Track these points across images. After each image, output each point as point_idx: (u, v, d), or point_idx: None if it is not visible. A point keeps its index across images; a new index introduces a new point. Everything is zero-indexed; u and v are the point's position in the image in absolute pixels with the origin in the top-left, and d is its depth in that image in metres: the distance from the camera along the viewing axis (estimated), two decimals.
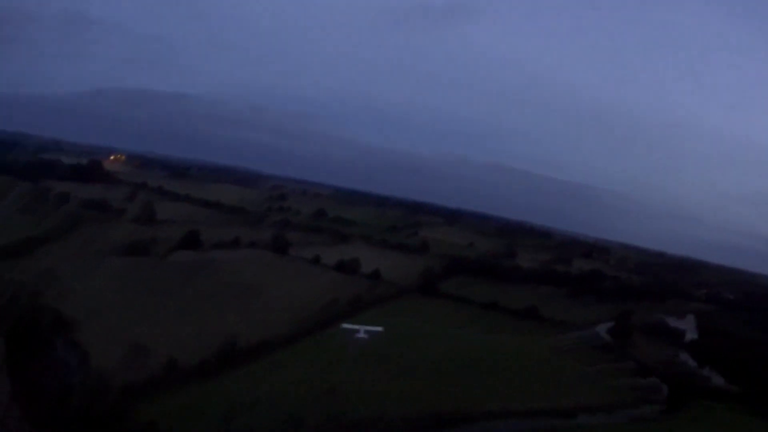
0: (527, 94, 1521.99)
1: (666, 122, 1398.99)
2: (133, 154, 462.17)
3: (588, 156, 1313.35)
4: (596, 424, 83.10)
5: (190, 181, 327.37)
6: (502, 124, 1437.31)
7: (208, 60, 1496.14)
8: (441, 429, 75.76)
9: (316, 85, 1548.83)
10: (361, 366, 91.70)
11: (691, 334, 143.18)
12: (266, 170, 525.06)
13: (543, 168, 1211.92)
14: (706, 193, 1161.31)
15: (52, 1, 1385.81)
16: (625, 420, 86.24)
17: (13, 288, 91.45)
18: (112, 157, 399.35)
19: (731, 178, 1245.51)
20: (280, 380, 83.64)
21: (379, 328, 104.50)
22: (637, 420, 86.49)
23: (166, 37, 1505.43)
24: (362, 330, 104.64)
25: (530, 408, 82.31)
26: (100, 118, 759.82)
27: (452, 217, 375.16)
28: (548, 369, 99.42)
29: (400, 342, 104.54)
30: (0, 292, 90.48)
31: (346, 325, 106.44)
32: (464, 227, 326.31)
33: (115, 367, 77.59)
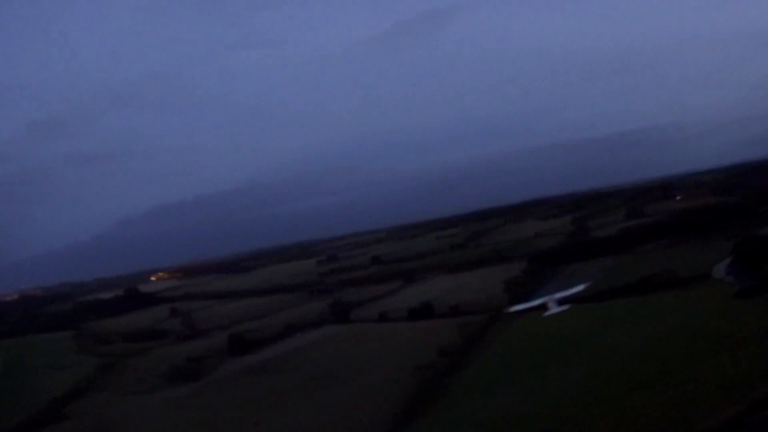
0: (529, 66, 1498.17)
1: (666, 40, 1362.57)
2: (177, 267, 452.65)
3: (615, 104, 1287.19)
4: None
5: (239, 275, 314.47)
6: (520, 106, 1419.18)
7: (229, 153, 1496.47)
8: None
9: (335, 136, 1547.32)
10: None
11: None
12: (317, 236, 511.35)
13: (576, 131, 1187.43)
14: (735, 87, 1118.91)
15: (57, 148, 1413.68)
16: None
17: None
18: (153, 278, 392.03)
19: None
20: None
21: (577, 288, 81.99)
22: None
23: (177, 145, 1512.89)
24: (552, 300, 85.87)
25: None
26: (134, 245, 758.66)
27: (513, 212, 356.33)
28: (707, 352, 75.02)
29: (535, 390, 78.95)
30: None
31: (518, 307, 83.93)
32: (528, 219, 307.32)
33: None
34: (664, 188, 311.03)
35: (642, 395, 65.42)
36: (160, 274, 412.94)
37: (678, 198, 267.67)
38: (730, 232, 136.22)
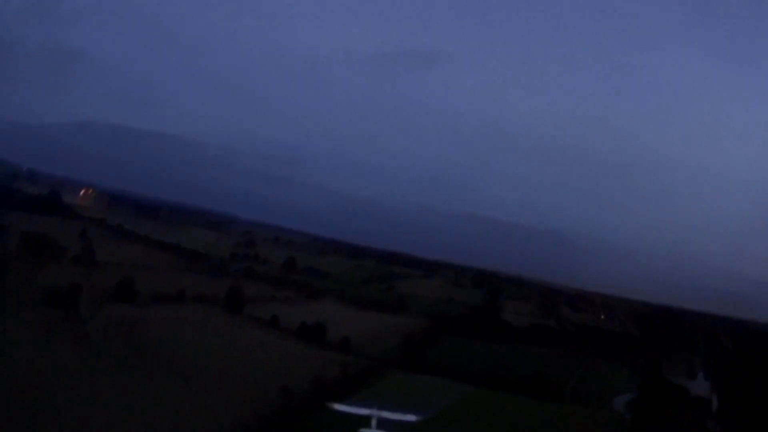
0: (497, 139, 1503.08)
1: (634, 158, 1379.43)
2: (107, 190, 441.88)
3: (562, 200, 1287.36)
4: None
5: (157, 222, 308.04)
6: (475, 172, 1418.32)
7: (191, 100, 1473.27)
8: None
9: (297, 131, 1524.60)
10: None
11: (715, 401, 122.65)
12: (242, 215, 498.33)
13: (516, 215, 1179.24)
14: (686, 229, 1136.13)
15: (37, 32, 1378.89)
16: None
17: None
18: (82, 192, 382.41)
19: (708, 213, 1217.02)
20: None
21: (410, 417, 75.67)
22: None
23: (149, 74, 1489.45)
24: (375, 417, 73.51)
25: None
26: (80, 151, 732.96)
27: (428, 268, 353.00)
28: None
29: None
30: None
31: (341, 407, 75.51)
32: (440, 280, 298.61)
33: None
34: (580, 299, 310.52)
35: None
36: (90, 191, 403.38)
37: (602, 316, 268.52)
38: (639, 366, 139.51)
